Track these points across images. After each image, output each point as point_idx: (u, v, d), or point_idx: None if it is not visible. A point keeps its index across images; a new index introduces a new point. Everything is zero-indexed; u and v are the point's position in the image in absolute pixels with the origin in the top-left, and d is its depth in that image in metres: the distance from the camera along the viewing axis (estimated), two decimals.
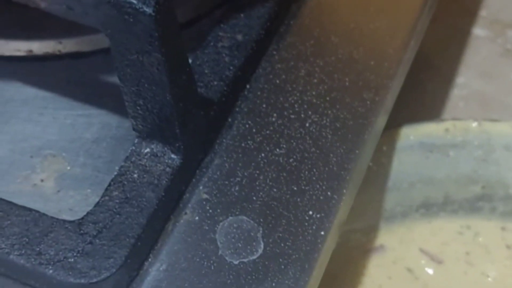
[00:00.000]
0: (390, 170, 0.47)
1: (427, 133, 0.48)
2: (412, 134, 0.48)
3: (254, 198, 0.37)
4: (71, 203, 0.37)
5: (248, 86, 0.42)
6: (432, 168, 0.48)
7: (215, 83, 0.40)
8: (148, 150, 0.37)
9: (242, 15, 0.43)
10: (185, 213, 0.37)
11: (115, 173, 0.36)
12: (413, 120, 0.50)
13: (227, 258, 0.36)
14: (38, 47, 0.43)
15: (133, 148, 0.37)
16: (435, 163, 0.48)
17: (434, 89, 0.59)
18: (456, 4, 0.63)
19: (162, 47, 0.32)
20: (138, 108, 0.35)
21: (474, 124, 0.49)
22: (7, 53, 0.43)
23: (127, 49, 0.33)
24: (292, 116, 0.41)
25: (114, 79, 0.42)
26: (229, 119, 0.40)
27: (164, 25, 0.32)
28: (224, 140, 0.39)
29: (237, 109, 0.41)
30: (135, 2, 0.31)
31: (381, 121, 0.42)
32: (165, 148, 0.37)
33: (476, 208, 0.49)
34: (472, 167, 0.48)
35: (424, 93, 0.58)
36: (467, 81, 0.59)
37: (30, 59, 0.43)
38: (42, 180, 0.38)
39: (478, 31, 0.62)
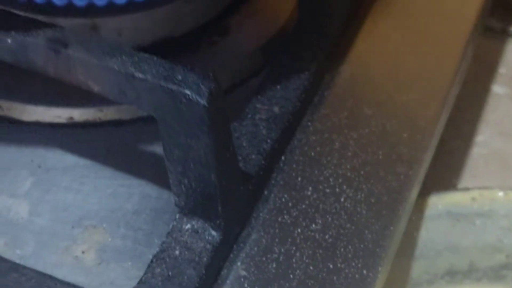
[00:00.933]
0: (418, 238, 0.48)
1: (454, 202, 0.49)
2: (440, 203, 0.48)
3: (291, 276, 0.38)
4: (112, 277, 0.38)
5: (283, 158, 0.43)
6: (458, 236, 0.49)
7: (253, 156, 0.41)
8: (189, 226, 0.37)
9: (278, 86, 0.44)
10: None
11: (157, 249, 0.37)
12: (434, 180, 0.51)
13: None
14: (79, 114, 0.44)
15: (175, 223, 0.37)
16: (461, 232, 0.49)
17: (454, 148, 0.59)
18: (475, 61, 0.64)
19: (211, 133, 0.33)
20: (183, 186, 0.36)
21: (500, 194, 0.49)
22: (48, 119, 0.44)
23: (176, 132, 0.33)
24: (327, 191, 0.41)
25: (153, 148, 0.44)
26: (265, 192, 0.41)
27: (215, 114, 0.33)
28: (260, 214, 0.40)
29: (273, 181, 0.42)
30: (189, 93, 0.32)
31: (414, 194, 0.43)
32: (206, 225, 0.37)
33: (500, 276, 0.50)
34: (498, 236, 0.49)
35: (444, 152, 0.59)
36: (486, 139, 0.60)
37: (71, 126, 0.44)
38: (83, 252, 0.39)
39: (497, 88, 0.63)
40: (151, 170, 0.42)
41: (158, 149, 0.44)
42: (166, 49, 0.47)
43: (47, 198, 0.41)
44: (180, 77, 0.32)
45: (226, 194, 0.36)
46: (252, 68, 0.48)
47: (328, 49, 0.47)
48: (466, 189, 0.50)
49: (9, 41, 0.33)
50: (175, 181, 0.36)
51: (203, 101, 0.32)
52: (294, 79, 0.45)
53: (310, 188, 0.41)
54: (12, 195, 0.41)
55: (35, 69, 0.34)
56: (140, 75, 0.32)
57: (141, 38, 0.46)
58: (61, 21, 0.43)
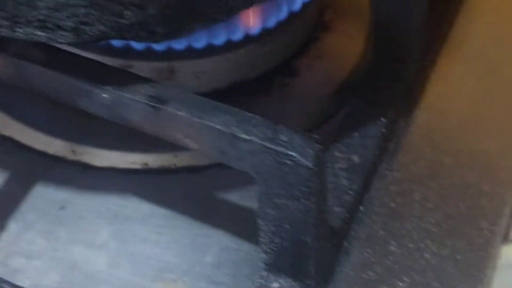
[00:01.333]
0: None
1: None
2: (506, 255, 0.47)
3: None
4: None
5: (362, 208, 0.42)
6: None
7: (336, 209, 0.40)
8: (276, 285, 0.36)
9: (356, 133, 0.43)
10: None
11: None
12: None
13: None
14: (154, 160, 0.43)
15: (262, 281, 0.36)
16: None
17: None
18: None
19: (313, 196, 0.32)
20: (274, 245, 0.35)
21: None
22: (122, 165, 0.43)
23: (275, 193, 0.32)
24: (411, 245, 0.40)
25: (229, 196, 0.43)
26: (345, 244, 0.40)
27: (318, 177, 0.32)
28: (343, 269, 0.39)
29: (353, 233, 0.41)
30: (295, 154, 0.31)
31: (498, 250, 0.42)
32: (294, 284, 0.36)
33: None
34: None
35: None
36: None
37: (145, 172, 0.43)
38: None
39: None
40: (228, 219, 0.41)
41: (233, 197, 0.43)
42: (239, 92, 0.46)
43: (125, 250, 0.40)
44: (285, 139, 0.31)
45: (317, 253, 0.35)
46: (326, 111, 0.47)
47: (403, 94, 0.46)
48: None
49: (105, 96, 0.32)
50: (266, 239, 0.35)
51: (309, 164, 0.31)
52: (371, 126, 0.44)
53: (394, 243, 0.40)
54: (90, 245, 0.40)
55: (129, 124, 0.33)
56: (245, 136, 0.31)
57: (217, 81, 0.45)
58: (139, 64, 0.43)
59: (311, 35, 0.50)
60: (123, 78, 0.33)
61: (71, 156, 0.43)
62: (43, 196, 0.42)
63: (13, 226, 0.40)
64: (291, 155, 0.31)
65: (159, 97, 0.32)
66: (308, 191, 0.32)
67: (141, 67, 0.42)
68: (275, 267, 0.36)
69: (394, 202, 0.42)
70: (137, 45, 0.41)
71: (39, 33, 0.29)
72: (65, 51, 0.33)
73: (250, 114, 0.32)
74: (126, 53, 0.42)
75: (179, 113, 0.32)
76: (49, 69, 0.32)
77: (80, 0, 0.27)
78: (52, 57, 0.32)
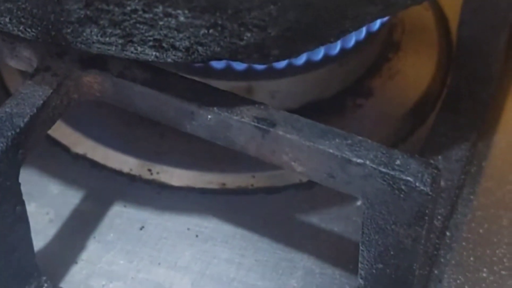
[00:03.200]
0: None
1: None
2: None
3: None
4: None
5: (449, 234, 0.41)
6: None
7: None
8: None
9: (440, 157, 0.42)
10: None
11: None
12: None
13: None
14: (232, 180, 0.42)
15: None
16: None
17: None
18: None
19: (427, 223, 0.31)
20: (374, 271, 0.34)
21: None
22: (200, 185, 0.42)
23: (383, 218, 0.31)
24: (503, 272, 0.39)
25: (308, 217, 0.41)
26: (435, 271, 0.39)
27: (435, 203, 0.31)
28: None
29: (442, 259, 0.40)
30: (411, 179, 0.30)
31: None
32: None
33: None
34: None
35: None
36: None
37: (223, 192, 0.42)
38: None
39: None
40: (310, 242, 0.40)
41: (313, 219, 0.42)
42: (312, 111, 0.45)
43: (208, 272, 0.38)
44: (399, 163, 0.30)
45: (418, 280, 0.34)
46: (400, 132, 0.46)
47: (484, 116, 0.45)
48: None
49: (209, 117, 0.31)
50: (366, 265, 0.34)
51: (426, 189, 0.30)
52: (455, 149, 0.43)
53: (485, 270, 0.39)
54: (173, 267, 0.38)
55: (233, 146, 0.32)
56: (358, 160, 0.30)
57: (293, 101, 0.44)
58: (217, 83, 0.42)
59: (382, 55, 0.49)
60: (226, 100, 0.32)
61: (147, 175, 0.42)
62: (121, 216, 0.40)
63: (92, 246, 0.39)
64: (408, 180, 0.30)
65: (267, 119, 0.31)
66: (422, 217, 0.31)
67: (219, 86, 0.41)
68: None
69: (482, 228, 0.41)
70: (217, 64, 0.40)
71: (151, 52, 0.28)
72: (165, 70, 0.32)
73: (361, 138, 0.31)
74: (206, 72, 0.41)
75: (288, 136, 0.31)
76: (152, 89, 0.31)
77: (204, 21, 0.26)
78: (154, 77, 0.31)
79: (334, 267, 0.39)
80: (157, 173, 0.42)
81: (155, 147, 0.43)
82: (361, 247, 0.34)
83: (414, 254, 0.32)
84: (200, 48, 0.28)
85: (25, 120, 0.30)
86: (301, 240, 0.40)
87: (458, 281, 0.39)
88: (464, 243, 0.40)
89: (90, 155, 0.43)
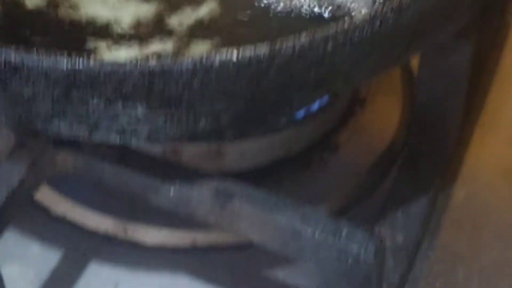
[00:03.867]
0: None
1: None
2: None
3: None
4: None
5: None
6: None
7: None
8: None
9: (399, 211, 0.44)
10: None
11: None
12: None
13: None
14: (202, 238, 0.44)
15: None
16: None
17: None
18: None
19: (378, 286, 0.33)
20: None
21: None
22: (172, 243, 0.44)
23: (337, 285, 0.34)
24: None
25: (276, 272, 0.43)
26: None
27: (379, 271, 0.33)
28: None
29: None
30: (356, 250, 0.32)
31: None
32: None
33: None
34: None
35: None
36: None
37: (194, 250, 0.44)
38: None
39: None
40: None
41: (281, 273, 0.44)
42: (280, 167, 0.47)
43: None
44: (346, 234, 0.33)
45: None
46: (364, 187, 0.48)
47: (443, 171, 0.47)
48: None
49: (172, 191, 0.34)
50: None
51: (370, 259, 0.32)
52: (414, 205, 0.45)
53: None
54: None
55: (194, 218, 0.35)
56: (308, 231, 0.32)
57: (260, 159, 0.46)
58: (189, 146, 0.44)
59: (348, 110, 0.51)
60: (187, 175, 0.34)
61: (122, 234, 0.44)
62: (98, 275, 0.43)
63: None
64: (353, 250, 0.32)
65: (225, 192, 0.34)
66: (368, 284, 0.33)
67: (191, 149, 0.43)
68: None
69: (439, 281, 0.43)
70: None
71: (116, 138, 0.30)
72: (132, 149, 0.34)
73: (313, 209, 0.34)
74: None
75: (245, 208, 0.33)
76: (120, 167, 0.33)
77: (162, 113, 0.28)
78: (122, 155, 0.34)
79: None
80: (132, 232, 0.45)
81: (131, 206, 0.45)
82: None
83: None
84: (160, 134, 0.31)
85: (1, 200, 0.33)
86: None
87: None
88: None
89: (69, 215, 0.45)
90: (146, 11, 0.35)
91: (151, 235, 0.44)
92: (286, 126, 0.46)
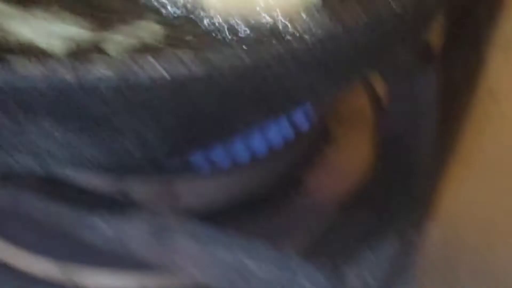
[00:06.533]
0: None
1: None
2: None
3: None
4: None
5: None
6: None
7: None
8: None
9: (369, 253, 0.41)
10: None
11: None
12: None
13: None
14: (152, 281, 0.41)
15: None
16: None
17: None
18: None
19: None
20: None
21: None
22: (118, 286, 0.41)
23: None
24: None
25: None
26: None
27: None
28: None
29: None
30: (307, 284, 0.29)
31: None
32: None
33: None
34: None
35: None
36: None
37: None
38: None
39: None
40: None
41: None
42: (244, 207, 0.45)
43: None
44: (295, 266, 0.29)
45: None
46: (332, 225, 0.45)
47: (417, 209, 0.44)
48: None
49: (106, 227, 0.30)
50: None
51: None
52: (384, 244, 0.42)
53: None
54: None
55: (134, 256, 0.31)
56: (254, 265, 0.29)
57: (221, 200, 0.43)
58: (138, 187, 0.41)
59: (315, 147, 0.49)
60: (126, 210, 0.31)
61: (64, 278, 0.41)
62: None
63: None
64: (304, 284, 0.29)
65: (163, 228, 0.30)
66: None
67: (143, 190, 0.40)
68: None
69: None
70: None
71: (34, 162, 0.27)
72: (63, 182, 0.31)
73: (259, 243, 0.31)
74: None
75: (186, 244, 0.30)
76: (48, 202, 0.30)
77: (79, 136, 0.25)
78: (51, 188, 0.31)
79: None
80: (74, 275, 0.41)
81: (73, 248, 0.42)
82: None
83: None
84: (83, 159, 0.28)
85: None
86: None
87: None
88: None
89: (6, 259, 0.42)
90: (78, 34, 0.32)
91: (98, 279, 0.41)
92: (248, 164, 0.43)
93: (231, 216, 0.43)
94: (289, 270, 0.30)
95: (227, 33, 0.29)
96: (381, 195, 0.44)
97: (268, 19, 0.29)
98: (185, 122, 0.27)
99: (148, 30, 0.32)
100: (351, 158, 0.49)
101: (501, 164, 0.48)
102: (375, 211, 0.44)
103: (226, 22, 0.29)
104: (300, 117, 0.43)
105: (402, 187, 0.44)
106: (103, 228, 0.31)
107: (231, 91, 0.27)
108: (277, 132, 0.42)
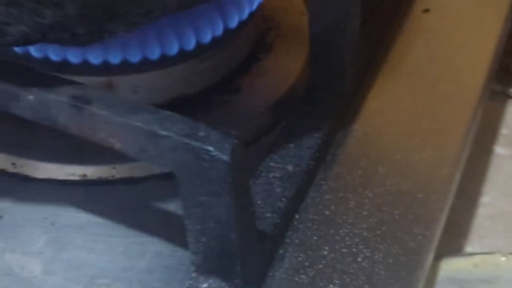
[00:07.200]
0: None
1: (456, 269, 0.48)
2: (442, 269, 0.48)
3: None
4: None
5: (297, 216, 0.42)
6: None
7: (268, 215, 0.41)
8: (206, 285, 0.37)
9: (292, 145, 0.44)
10: None
11: None
12: (441, 241, 0.50)
13: None
14: (92, 172, 0.44)
15: (191, 282, 0.37)
16: None
17: (459, 209, 0.59)
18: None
19: (233, 191, 0.33)
20: (201, 244, 0.36)
21: (503, 259, 0.49)
22: (62, 177, 0.44)
23: (197, 190, 0.33)
24: (344, 250, 0.41)
25: (166, 205, 0.43)
26: (280, 251, 0.41)
27: (237, 171, 0.32)
28: (276, 273, 0.40)
29: (288, 240, 0.41)
30: (211, 149, 0.32)
31: (431, 255, 0.42)
32: (223, 284, 0.37)
33: None
34: None
35: (449, 213, 0.59)
36: (491, 200, 0.59)
37: (84, 183, 0.44)
38: None
39: (500, 149, 0.63)
40: (164, 228, 0.42)
41: (170, 206, 0.43)
42: (179, 107, 0.47)
43: (60, 257, 0.40)
44: (202, 134, 0.32)
45: (244, 253, 0.36)
46: (264, 126, 0.48)
47: (340, 108, 0.47)
48: (469, 254, 0.50)
49: (30, 97, 0.33)
50: (193, 239, 0.36)
51: (225, 158, 0.32)
52: (307, 137, 0.45)
53: (327, 248, 0.41)
54: (26, 253, 0.40)
55: (56, 126, 0.34)
56: (164, 133, 0.32)
57: (156, 96, 0.46)
58: (77, 79, 0.44)
59: (253, 56, 0.51)
60: (48, 81, 0.34)
61: (11, 169, 0.44)
62: None
63: None
64: (208, 150, 0.32)
65: (84, 97, 0.33)
66: (227, 186, 0.33)
67: (80, 81, 0.43)
68: (204, 268, 0.37)
69: (329, 210, 0.43)
70: (74, 58, 0.42)
71: None
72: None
73: (170, 113, 0.33)
74: (64, 67, 0.43)
75: (101, 112, 0.33)
76: None
77: (13, 20, 0.28)
78: None
79: (184, 249, 0.41)
80: (21, 166, 0.44)
81: (21, 142, 0.45)
82: (185, 222, 0.36)
83: (230, 225, 0.34)
84: (9, 29, 0.30)
85: None
86: (154, 226, 0.42)
87: (299, 259, 0.40)
88: (309, 224, 0.42)
89: None
90: None
91: (41, 169, 0.44)
92: (178, 58, 0.45)
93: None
94: (196, 136, 0.32)
95: None
96: (309, 95, 0.47)
97: None
98: None
99: None
100: (287, 66, 0.51)
101: (425, 72, 0.51)
102: (302, 110, 0.47)
103: None
104: (231, 13, 0.45)
105: (328, 88, 0.47)
106: (30, 100, 0.34)
107: None
108: (207, 27, 0.45)
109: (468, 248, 0.55)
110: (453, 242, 0.55)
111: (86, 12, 0.30)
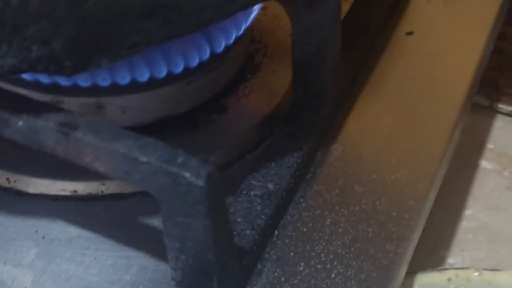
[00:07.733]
0: None
1: (430, 283, 0.50)
2: (416, 283, 0.50)
3: None
4: None
5: (276, 233, 0.45)
6: None
7: (248, 232, 0.43)
8: None
9: (273, 163, 0.47)
10: None
11: None
12: (424, 253, 0.52)
13: None
14: (83, 187, 0.46)
15: None
16: None
17: (443, 221, 0.61)
18: (464, 136, 0.66)
19: (209, 214, 0.35)
20: (180, 262, 0.38)
21: (476, 274, 0.51)
22: (53, 192, 0.46)
23: (176, 212, 0.36)
24: (319, 266, 0.43)
25: (152, 221, 0.46)
26: (259, 266, 0.43)
27: (212, 195, 0.35)
28: None
29: (266, 255, 0.43)
30: (188, 175, 0.34)
31: (403, 272, 0.45)
32: None
33: None
34: None
35: (432, 223, 0.61)
36: (475, 213, 0.61)
37: (75, 199, 0.46)
38: None
39: (485, 163, 0.64)
40: (149, 243, 0.44)
41: (156, 222, 0.46)
42: (167, 126, 0.49)
43: (50, 269, 0.43)
44: (181, 161, 0.34)
45: (222, 270, 0.38)
46: (248, 144, 0.50)
47: (321, 128, 0.49)
48: (443, 269, 0.52)
49: (20, 123, 0.36)
50: (172, 257, 0.38)
51: (201, 183, 0.34)
52: (288, 157, 0.47)
53: (302, 264, 0.43)
54: (17, 265, 0.43)
55: (45, 150, 0.36)
56: (144, 159, 0.34)
57: (144, 116, 0.48)
58: (68, 99, 0.46)
59: (240, 76, 0.53)
60: (38, 108, 0.36)
61: (5, 184, 0.46)
62: None
63: None
64: (185, 176, 0.34)
65: (70, 124, 0.35)
66: (204, 209, 0.35)
67: (71, 102, 0.45)
68: (184, 283, 0.39)
69: (306, 227, 0.45)
70: (64, 82, 0.45)
71: None
72: None
73: (152, 139, 0.35)
74: (55, 89, 0.45)
75: (86, 138, 0.35)
76: None
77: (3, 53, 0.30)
78: None
79: (167, 264, 0.43)
80: (15, 181, 0.46)
81: (15, 158, 0.47)
82: (165, 240, 0.38)
83: (207, 244, 0.36)
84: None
85: None
86: (140, 241, 0.44)
87: (276, 274, 0.43)
88: (287, 240, 0.44)
89: None
90: None
91: (33, 184, 0.46)
92: (166, 80, 0.47)
93: (154, 132, 0.48)
94: (175, 162, 0.35)
95: None
96: (292, 115, 0.49)
97: None
98: (80, 26, 0.31)
99: None
100: (274, 87, 0.53)
101: (406, 93, 0.53)
102: (285, 130, 0.49)
103: None
104: (217, 38, 0.48)
105: (310, 109, 0.49)
106: (20, 126, 0.36)
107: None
108: (194, 51, 0.47)
109: (450, 260, 0.57)
110: (435, 254, 0.57)
111: (72, 47, 0.33)
